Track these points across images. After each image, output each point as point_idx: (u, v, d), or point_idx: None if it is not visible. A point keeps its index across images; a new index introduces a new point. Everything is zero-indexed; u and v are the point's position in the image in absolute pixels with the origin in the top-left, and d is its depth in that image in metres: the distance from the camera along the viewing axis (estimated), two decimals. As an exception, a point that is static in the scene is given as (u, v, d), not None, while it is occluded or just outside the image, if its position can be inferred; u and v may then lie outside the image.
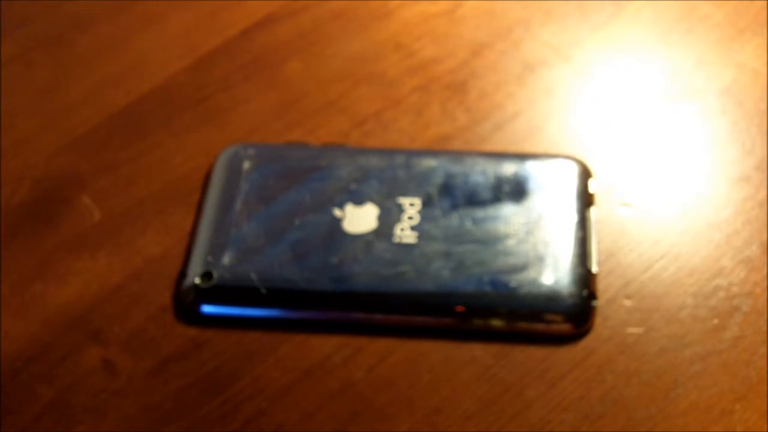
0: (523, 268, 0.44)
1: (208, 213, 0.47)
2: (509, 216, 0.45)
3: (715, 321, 0.43)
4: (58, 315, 0.45)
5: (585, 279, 0.44)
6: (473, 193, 0.46)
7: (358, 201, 0.46)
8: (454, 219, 0.45)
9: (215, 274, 0.44)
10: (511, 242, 0.44)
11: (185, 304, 0.45)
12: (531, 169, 0.47)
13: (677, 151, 0.49)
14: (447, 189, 0.47)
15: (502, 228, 0.45)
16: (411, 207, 0.46)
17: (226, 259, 0.45)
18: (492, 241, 0.45)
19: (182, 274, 0.45)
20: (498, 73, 0.53)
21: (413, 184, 0.47)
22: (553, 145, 0.50)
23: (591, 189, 0.47)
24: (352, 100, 0.52)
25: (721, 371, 0.42)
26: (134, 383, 0.43)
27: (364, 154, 0.48)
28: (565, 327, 0.43)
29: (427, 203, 0.46)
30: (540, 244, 0.44)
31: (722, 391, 0.41)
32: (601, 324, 0.43)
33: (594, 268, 0.44)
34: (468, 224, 0.45)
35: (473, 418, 0.41)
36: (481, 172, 0.47)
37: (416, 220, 0.46)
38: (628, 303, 0.44)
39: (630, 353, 0.43)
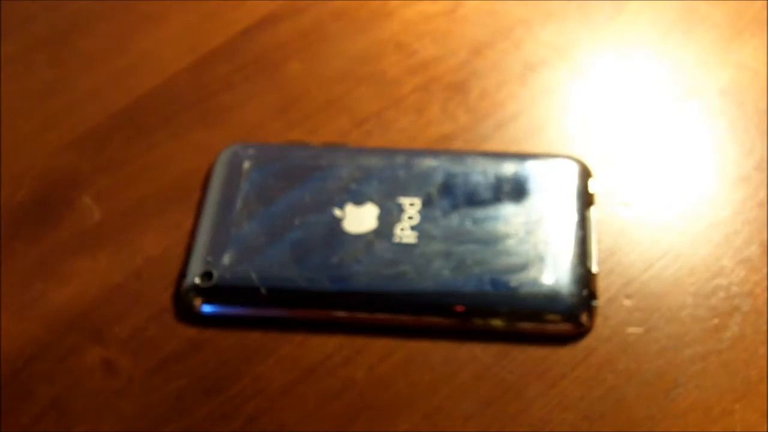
0: (523, 267, 0.44)
1: (208, 213, 0.47)
2: (509, 216, 0.45)
3: (715, 321, 0.43)
4: (58, 315, 0.45)
5: (585, 279, 0.44)
6: (473, 193, 0.46)
7: (358, 201, 0.46)
8: (455, 219, 0.45)
9: (215, 274, 0.44)
10: (511, 242, 0.44)
11: (185, 304, 0.45)
12: (531, 169, 0.47)
13: (677, 151, 0.49)
14: (447, 189, 0.47)
15: (502, 228, 0.45)
16: (411, 207, 0.46)
17: (226, 259, 0.45)
18: (492, 240, 0.45)
19: (182, 274, 0.45)
20: (499, 73, 0.53)
21: (413, 184, 0.47)
22: (553, 145, 0.50)
23: (591, 189, 0.47)
24: (352, 99, 0.52)
25: (721, 371, 0.42)
26: (134, 383, 0.43)
27: (364, 154, 0.48)
28: (565, 327, 0.43)
29: (427, 203, 0.46)
30: (540, 243, 0.44)
31: (722, 391, 0.41)
32: (601, 324, 0.43)
33: (594, 268, 0.44)
34: (468, 224, 0.45)
35: (473, 418, 0.41)
36: (482, 172, 0.47)
37: (416, 220, 0.46)
38: (628, 303, 0.44)
39: (630, 353, 0.43)
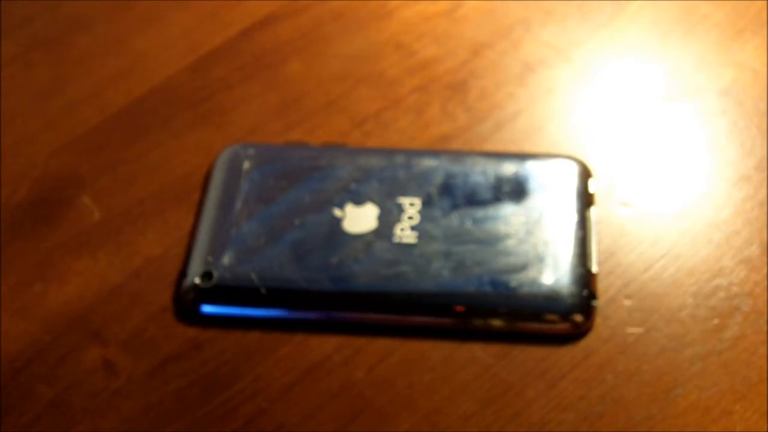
0: (523, 268, 0.44)
1: (208, 213, 0.47)
2: (509, 216, 0.45)
3: (715, 321, 0.43)
4: (58, 315, 0.45)
5: (585, 279, 0.44)
6: (473, 193, 0.46)
7: (358, 201, 0.46)
8: (454, 219, 0.45)
9: (215, 274, 0.44)
10: (511, 242, 0.44)
11: (185, 304, 0.45)
12: (531, 169, 0.47)
13: (677, 151, 0.49)
14: (447, 189, 0.47)
15: (502, 228, 0.45)
16: (411, 207, 0.46)
17: (226, 259, 0.45)
18: (492, 241, 0.45)
19: (182, 274, 0.45)
20: (498, 73, 0.53)
21: (413, 184, 0.47)
22: (553, 145, 0.50)
23: (591, 189, 0.47)
24: (352, 99, 0.52)
25: (721, 371, 0.42)
26: (134, 383, 0.43)
27: (364, 154, 0.48)
28: (565, 327, 0.43)
29: (427, 203, 0.46)
30: (540, 244, 0.44)
31: (722, 391, 0.41)
32: (601, 324, 0.43)
33: (594, 268, 0.44)
34: (468, 224, 0.45)
35: (473, 418, 0.41)
36: (481, 172, 0.47)
37: (416, 220, 0.46)
38: (628, 303, 0.44)
39: (630, 353, 0.43)
